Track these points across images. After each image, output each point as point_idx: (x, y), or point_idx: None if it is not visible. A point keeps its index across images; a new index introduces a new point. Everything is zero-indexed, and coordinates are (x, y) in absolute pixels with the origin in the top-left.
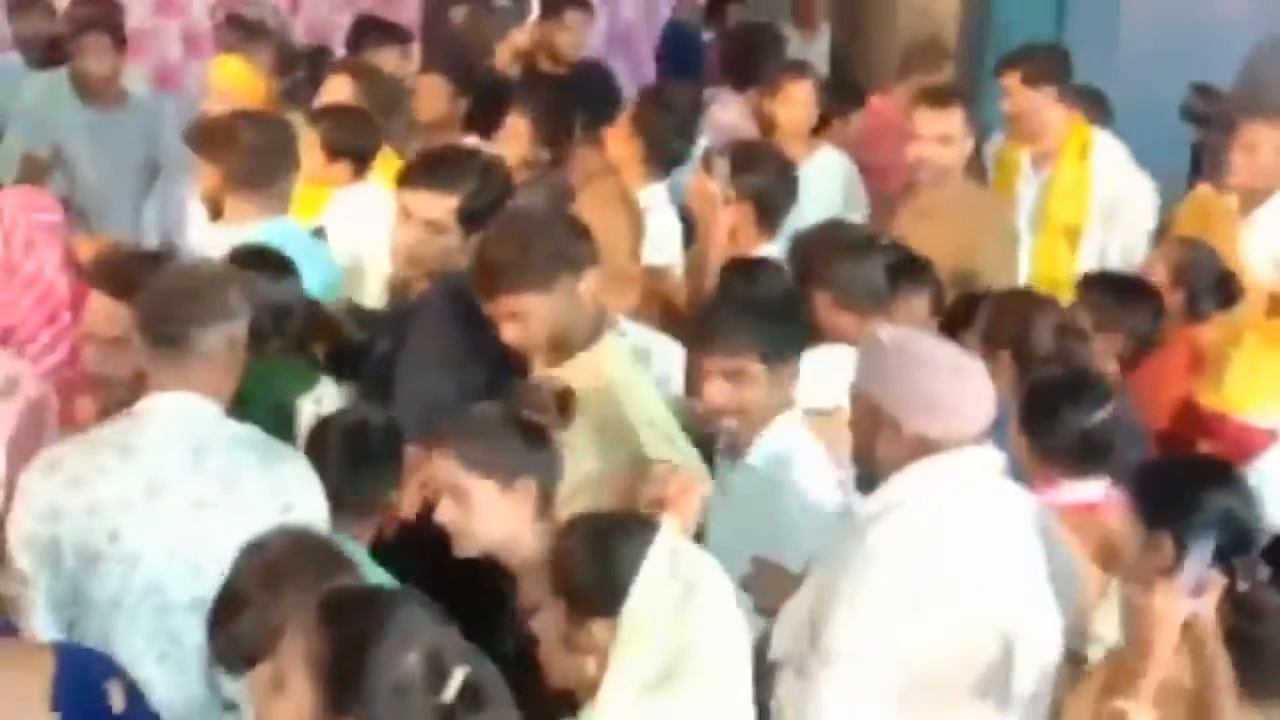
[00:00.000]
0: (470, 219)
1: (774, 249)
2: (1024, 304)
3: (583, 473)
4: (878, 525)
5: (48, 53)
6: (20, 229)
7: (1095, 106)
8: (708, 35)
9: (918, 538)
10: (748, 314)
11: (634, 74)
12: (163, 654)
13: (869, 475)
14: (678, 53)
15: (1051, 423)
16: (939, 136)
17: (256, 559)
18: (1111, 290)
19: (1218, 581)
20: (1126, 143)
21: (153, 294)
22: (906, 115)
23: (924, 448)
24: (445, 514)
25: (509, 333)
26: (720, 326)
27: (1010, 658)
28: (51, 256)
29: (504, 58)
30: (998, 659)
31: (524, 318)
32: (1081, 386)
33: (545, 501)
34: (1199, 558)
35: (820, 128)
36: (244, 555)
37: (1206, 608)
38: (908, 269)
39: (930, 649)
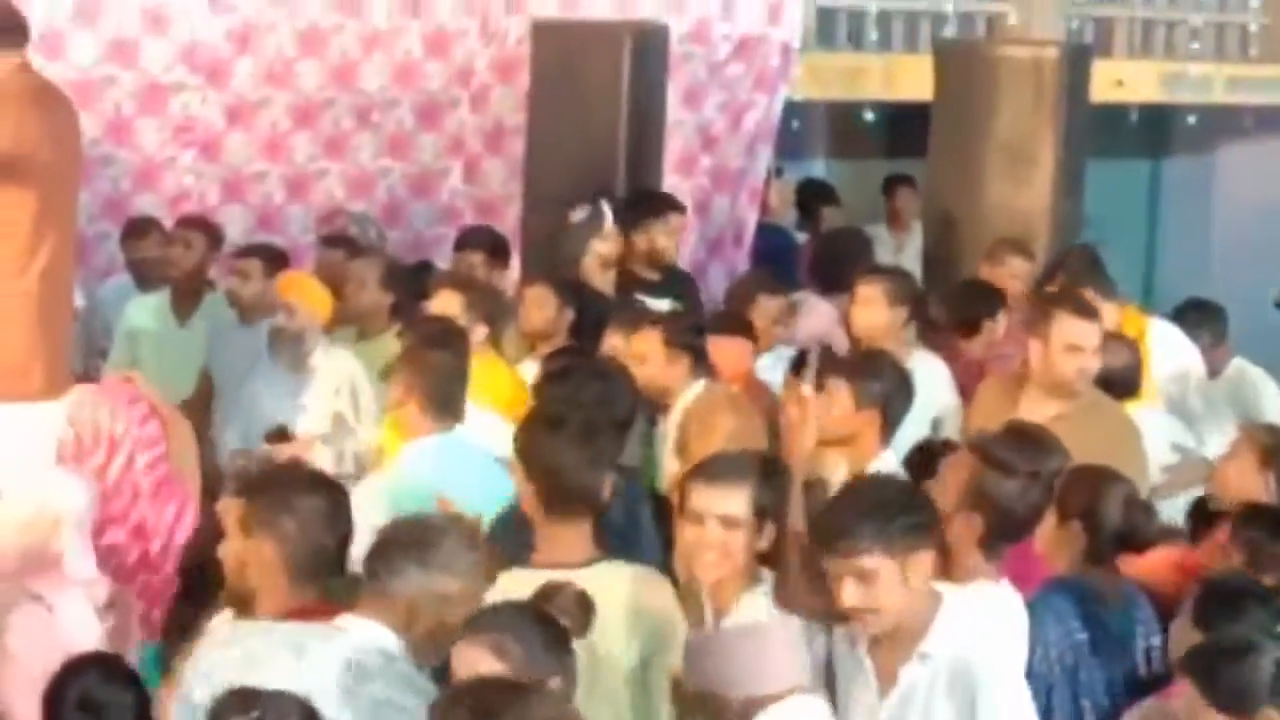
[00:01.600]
0: None
1: (892, 457)
2: (1094, 478)
3: None
4: None
5: (157, 274)
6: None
7: (1213, 322)
8: (803, 236)
9: None
10: (857, 508)
11: (731, 279)
12: None
13: None
14: (772, 255)
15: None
16: (1095, 348)
17: None
18: (1266, 526)
19: None
20: None
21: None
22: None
23: (754, 707)
24: None
25: None
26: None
27: None
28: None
29: (591, 266)
30: None
31: None
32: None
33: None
34: None
35: (969, 332)
36: None
37: None
38: None
39: None
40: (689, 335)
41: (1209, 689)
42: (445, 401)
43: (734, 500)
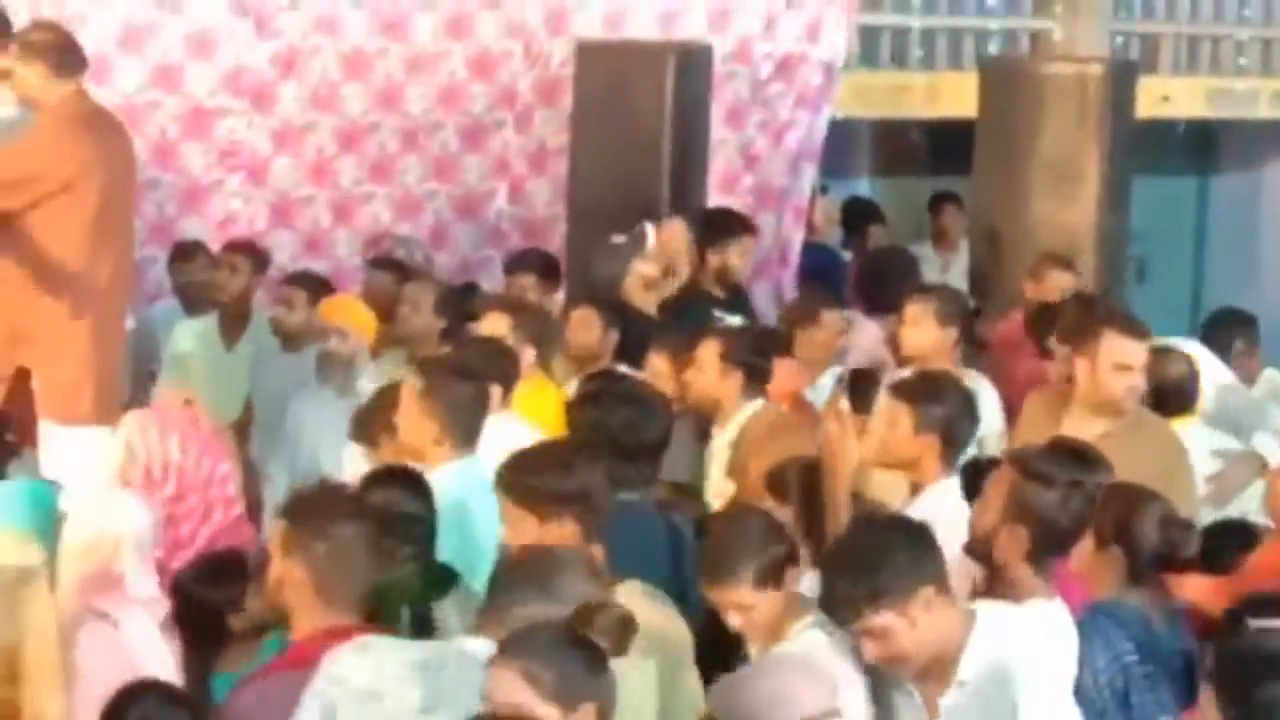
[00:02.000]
0: None
1: (954, 483)
2: (1129, 498)
3: None
4: None
5: (204, 298)
6: None
7: (1245, 329)
8: (849, 254)
9: None
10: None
11: (776, 298)
12: None
13: None
14: (817, 273)
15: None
16: (1143, 366)
17: None
18: None
19: None
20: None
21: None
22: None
23: None
24: None
25: None
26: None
27: None
28: None
29: (633, 287)
30: None
31: None
32: None
33: None
34: None
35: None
36: None
37: None
38: None
39: None
40: (746, 352)
41: (1229, 704)
42: (469, 432)
43: (739, 591)
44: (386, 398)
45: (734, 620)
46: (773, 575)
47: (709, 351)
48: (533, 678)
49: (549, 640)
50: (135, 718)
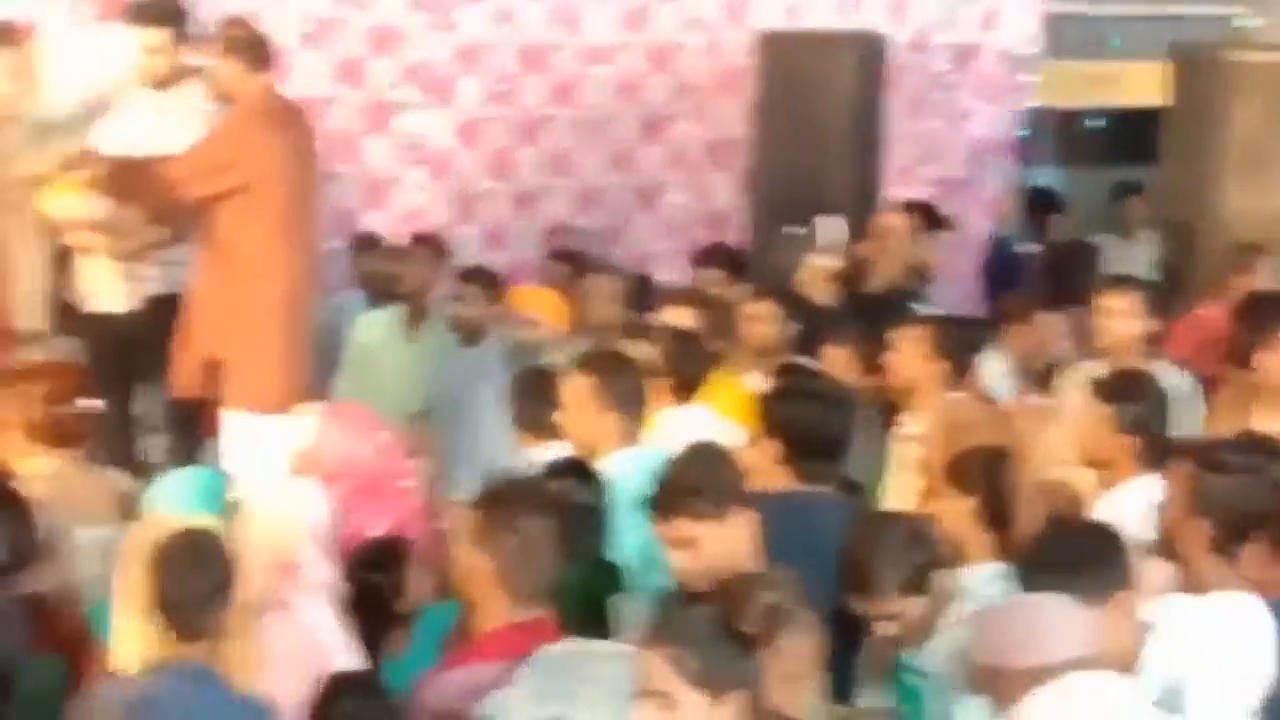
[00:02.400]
0: None
1: (1150, 481)
2: None
3: None
4: None
5: (387, 290)
6: None
7: None
8: (1027, 245)
9: None
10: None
11: (960, 290)
12: None
13: None
14: (995, 264)
15: None
16: None
17: None
18: None
19: None
20: None
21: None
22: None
23: (1033, 678)
24: (647, 718)
25: None
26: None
27: None
28: None
29: (809, 280)
30: None
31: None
32: None
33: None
34: None
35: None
36: None
37: None
38: None
39: None
40: (954, 342)
41: None
42: (638, 422)
43: (886, 602)
44: (530, 385)
45: (882, 629)
46: (916, 583)
47: (916, 339)
48: (680, 663)
49: (698, 626)
50: (344, 713)
